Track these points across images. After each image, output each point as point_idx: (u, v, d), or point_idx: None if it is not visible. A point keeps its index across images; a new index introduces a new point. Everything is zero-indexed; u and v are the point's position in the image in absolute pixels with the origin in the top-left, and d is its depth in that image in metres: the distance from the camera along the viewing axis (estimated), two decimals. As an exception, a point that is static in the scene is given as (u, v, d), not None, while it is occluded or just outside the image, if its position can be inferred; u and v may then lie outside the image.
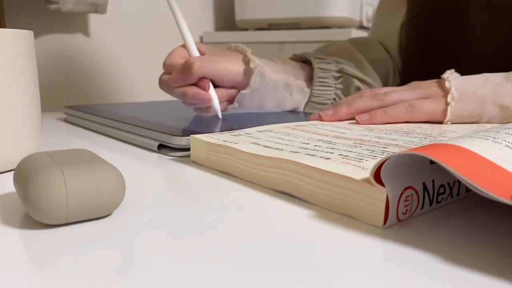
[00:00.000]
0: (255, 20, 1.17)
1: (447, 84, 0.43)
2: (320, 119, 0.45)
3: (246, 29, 1.22)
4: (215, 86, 0.48)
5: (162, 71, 0.49)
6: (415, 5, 0.62)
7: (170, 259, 0.18)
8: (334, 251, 0.19)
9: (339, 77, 0.55)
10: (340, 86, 0.55)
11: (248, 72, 0.48)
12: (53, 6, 0.81)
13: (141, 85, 1.10)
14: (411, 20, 0.63)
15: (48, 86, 0.93)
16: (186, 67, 0.45)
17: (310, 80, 0.55)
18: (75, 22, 0.96)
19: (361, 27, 1.22)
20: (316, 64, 0.55)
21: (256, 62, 0.48)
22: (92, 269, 0.17)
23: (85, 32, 0.99)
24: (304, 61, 0.58)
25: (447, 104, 0.42)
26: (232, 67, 0.48)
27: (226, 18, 1.33)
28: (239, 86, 0.49)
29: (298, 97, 0.54)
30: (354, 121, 0.44)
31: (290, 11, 1.12)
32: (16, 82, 0.31)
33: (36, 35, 0.91)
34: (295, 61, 0.57)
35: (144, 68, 1.09)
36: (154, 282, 0.17)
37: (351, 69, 0.56)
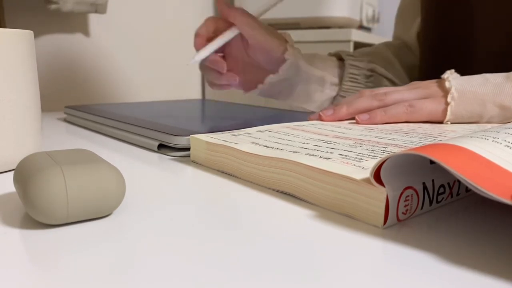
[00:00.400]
0: (255, 20, 1.17)
1: (447, 84, 0.43)
2: (320, 119, 0.45)
3: (246, 29, 1.21)
4: (245, 62, 0.50)
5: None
6: (427, 13, 0.62)
7: (170, 259, 0.18)
8: (334, 251, 0.19)
9: (370, 76, 0.55)
10: (370, 85, 0.56)
11: (281, 59, 0.49)
12: (53, 6, 0.81)
13: (141, 85, 1.10)
14: (424, 29, 0.63)
15: (48, 86, 0.93)
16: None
17: (341, 77, 0.55)
18: (75, 22, 0.96)
19: (361, 27, 1.22)
20: (348, 61, 0.55)
21: (292, 52, 0.49)
22: (92, 269, 0.17)
23: (85, 32, 0.99)
24: (337, 58, 0.58)
25: (447, 104, 0.42)
26: (270, 41, 0.50)
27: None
28: (268, 64, 0.50)
29: (328, 91, 0.54)
30: (354, 121, 0.44)
31: (290, 11, 1.12)
32: (16, 82, 0.31)
33: (36, 35, 0.90)
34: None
35: (144, 68, 1.09)
36: (154, 282, 0.17)
37: (382, 69, 0.56)
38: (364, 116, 0.43)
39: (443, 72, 0.57)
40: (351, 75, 0.54)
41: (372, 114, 0.43)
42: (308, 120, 0.45)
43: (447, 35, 0.58)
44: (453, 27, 0.57)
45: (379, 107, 0.44)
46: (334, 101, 0.55)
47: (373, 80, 0.56)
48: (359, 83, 0.55)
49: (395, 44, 0.67)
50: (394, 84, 0.58)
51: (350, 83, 0.54)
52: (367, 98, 0.45)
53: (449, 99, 0.42)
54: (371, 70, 0.56)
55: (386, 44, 0.66)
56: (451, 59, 0.58)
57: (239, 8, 0.49)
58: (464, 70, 0.53)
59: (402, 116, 0.43)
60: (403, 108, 0.43)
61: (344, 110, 0.44)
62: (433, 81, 0.45)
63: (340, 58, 0.58)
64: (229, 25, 0.51)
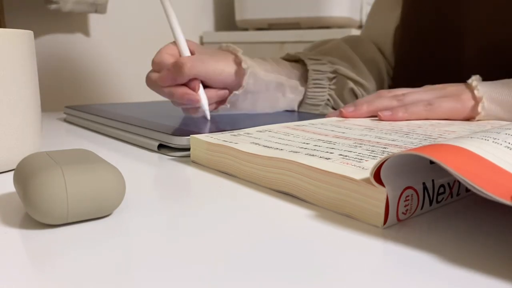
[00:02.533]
0: (255, 20, 1.17)
1: (476, 92, 0.44)
2: (341, 115, 0.46)
3: (246, 29, 1.21)
4: (204, 86, 0.47)
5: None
6: (410, 5, 0.62)
7: (169, 259, 0.18)
8: (334, 251, 0.19)
9: (333, 78, 0.56)
10: (333, 87, 0.56)
11: (240, 73, 0.48)
12: (53, 6, 0.81)
13: (141, 85, 1.09)
14: (405, 21, 0.63)
15: (48, 86, 0.93)
16: (177, 67, 0.45)
17: (303, 79, 0.55)
18: (75, 22, 0.96)
19: (361, 27, 1.22)
20: (310, 66, 0.55)
21: (248, 63, 0.48)
22: (92, 269, 0.17)
23: (85, 32, 0.99)
24: (297, 60, 0.57)
25: (469, 102, 0.44)
26: (223, 67, 0.48)
27: (226, 18, 1.33)
28: (230, 86, 0.49)
29: (291, 96, 0.54)
30: (359, 121, 0.44)
31: (290, 11, 1.12)
32: (16, 82, 0.31)
33: (36, 35, 0.90)
34: (287, 61, 0.57)
35: (144, 68, 1.09)
36: (153, 282, 0.17)
37: (345, 70, 0.56)
38: (387, 112, 0.44)
39: (427, 66, 0.57)
40: (315, 81, 0.54)
41: (394, 111, 0.44)
42: (326, 117, 0.46)
43: (433, 29, 0.58)
44: (440, 21, 0.57)
45: (398, 107, 0.45)
46: (301, 108, 0.56)
47: (336, 81, 0.56)
48: (323, 87, 0.55)
49: (352, 39, 0.66)
50: (358, 84, 0.58)
51: (314, 89, 0.55)
52: (387, 98, 0.46)
53: (479, 109, 0.43)
54: (334, 72, 0.56)
55: (344, 39, 0.65)
56: (438, 54, 0.58)
57: (185, 62, 0.45)
58: (452, 66, 0.54)
59: (422, 113, 0.44)
60: (423, 106, 0.44)
61: (365, 108, 0.46)
62: (447, 84, 0.47)
63: (292, 60, 0.58)
64: None
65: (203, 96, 0.46)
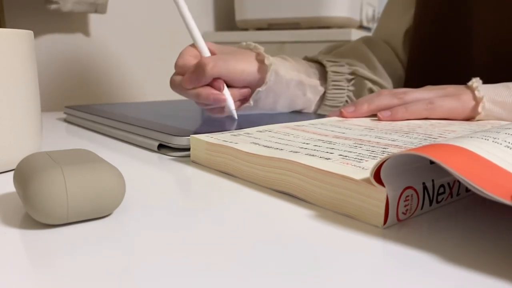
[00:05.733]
0: (255, 20, 1.17)
1: (477, 93, 0.44)
2: (341, 115, 0.46)
3: (246, 29, 1.21)
4: (227, 85, 0.47)
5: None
6: (422, 6, 0.62)
7: (169, 259, 0.18)
8: (334, 251, 0.19)
9: (351, 79, 0.56)
10: (352, 88, 0.56)
11: (262, 70, 0.48)
12: (53, 6, 0.81)
13: (141, 85, 1.10)
14: (418, 22, 0.63)
15: (48, 86, 0.93)
16: (199, 68, 0.45)
17: (322, 80, 0.55)
18: (75, 22, 0.96)
19: (361, 27, 1.22)
20: (329, 68, 0.55)
21: (270, 60, 0.48)
22: (92, 269, 0.17)
23: (85, 32, 0.99)
24: (315, 61, 0.58)
25: (466, 102, 0.44)
26: (245, 66, 0.48)
27: (226, 18, 1.33)
28: (252, 85, 0.49)
29: (310, 96, 0.54)
30: (358, 121, 0.44)
31: (290, 11, 1.12)
32: (16, 82, 0.31)
33: (36, 35, 0.90)
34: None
35: (144, 68, 1.09)
36: (154, 282, 0.17)
37: (363, 71, 0.57)
38: (386, 113, 0.44)
39: (437, 68, 0.57)
40: (334, 83, 0.55)
41: (394, 111, 0.44)
42: (326, 117, 0.45)
43: (444, 28, 0.58)
44: (451, 22, 0.58)
45: (399, 105, 0.45)
46: (319, 110, 0.56)
47: (355, 83, 0.56)
48: (342, 89, 0.55)
49: (370, 40, 0.66)
50: (376, 84, 0.58)
51: (334, 91, 0.55)
52: (387, 97, 0.46)
53: (480, 109, 0.43)
54: (353, 73, 0.56)
55: (362, 40, 0.66)
56: (447, 54, 0.58)
57: (207, 62, 0.45)
58: (460, 65, 0.54)
59: (422, 112, 0.44)
60: (423, 105, 0.44)
61: (365, 107, 0.46)
62: (447, 85, 0.47)
63: (314, 61, 0.58)
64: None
65: (228, 96, 0.46)
